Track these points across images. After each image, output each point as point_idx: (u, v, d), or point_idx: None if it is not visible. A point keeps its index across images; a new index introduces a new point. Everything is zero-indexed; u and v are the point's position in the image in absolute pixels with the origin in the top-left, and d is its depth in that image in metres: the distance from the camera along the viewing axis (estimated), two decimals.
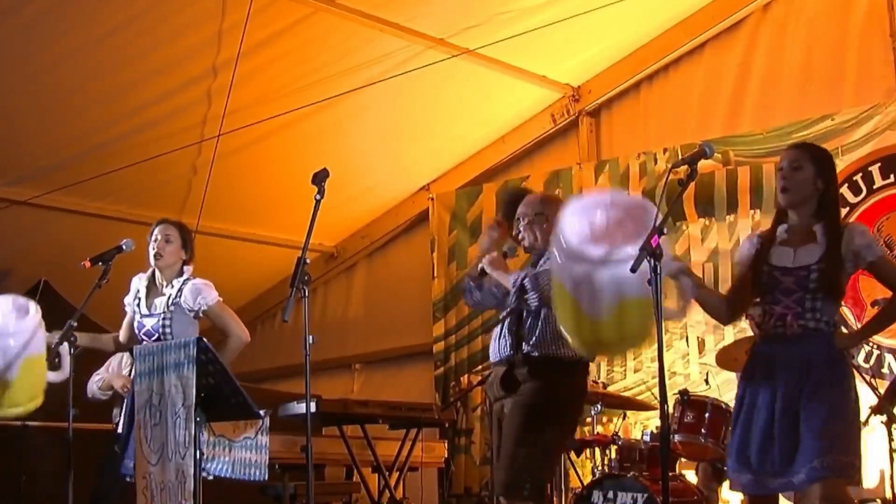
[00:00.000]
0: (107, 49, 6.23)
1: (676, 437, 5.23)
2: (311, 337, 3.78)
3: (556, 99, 7.93)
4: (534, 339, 4.15)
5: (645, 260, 3.28)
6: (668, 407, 3.45)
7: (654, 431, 5.54)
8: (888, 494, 4.97)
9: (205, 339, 3.97)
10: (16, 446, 6.16)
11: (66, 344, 4.71)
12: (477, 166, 8.35)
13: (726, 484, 5.61)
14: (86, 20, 6.02)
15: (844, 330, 4.38)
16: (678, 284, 3.66)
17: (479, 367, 7.64)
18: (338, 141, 7.67)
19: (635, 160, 7.29)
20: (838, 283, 3.61)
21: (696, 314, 6.75)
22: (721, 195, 6.77)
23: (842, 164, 6.11)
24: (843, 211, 5.82)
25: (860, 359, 5.98)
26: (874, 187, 6.26)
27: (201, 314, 4.78)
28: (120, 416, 4.89)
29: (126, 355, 5.20)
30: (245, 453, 4.03)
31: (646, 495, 5.05)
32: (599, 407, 5.80)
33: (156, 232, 4.83)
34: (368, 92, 7.01)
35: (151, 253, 4.79)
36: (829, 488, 3.39)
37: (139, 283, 4.88)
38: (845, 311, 5.91)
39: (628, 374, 7.10)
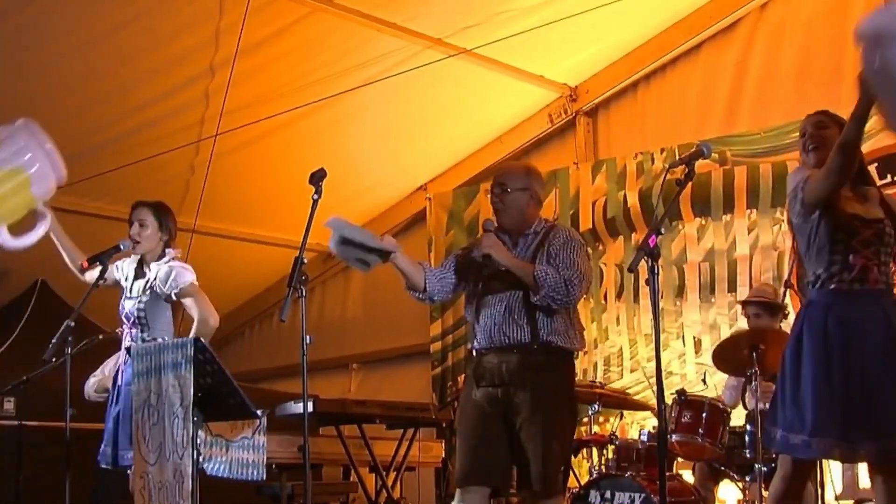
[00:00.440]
0: (105, 49, 6.23)
1: (674, 437, 5.23)
2: (308, 337, 3.78)
3: (553, 99, 7.94)
4: (551, 327, 4.03)
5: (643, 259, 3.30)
6: (665, 406, 3.44)
7: (652, 431, 5.54)
8: None
9: (202, 339, 3.97)
10: (14, 446, 6.16)
11: (47, 213, 4.79)
12: (474, 166, 8.36)
13: (723, 483, 5.63)
14: (84, 20, 6.03)
15: None
16: None
17: None
18: (335, 141, 7.68)
19: (632, 160, 7.30)
20: None
21: (693, 313, 6.78)
22: (718, 195, 6.77)
23: None
24: None
25: None
26: None
27: (174, 297, 4.66)
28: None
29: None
30: (242, 453, 4.02)
31: (643, 495, 5.05)
32: (597, 406, 5.80)
33: (132, 217, 4.78)
34: (366, 92, 7.01)
35: (132, 241, 4.74)
36: None
37: (131, 264, 4.83)
38: None
39: (625, 374, 7.11)
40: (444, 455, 7.13)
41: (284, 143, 7.44)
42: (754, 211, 6.63)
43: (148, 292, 4.68)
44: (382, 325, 8.78)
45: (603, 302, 7.34)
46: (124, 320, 4.73)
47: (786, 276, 5.85)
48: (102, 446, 4.62)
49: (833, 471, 5.34)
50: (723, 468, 5.41)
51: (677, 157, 3.93)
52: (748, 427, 5.19)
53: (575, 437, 5.79)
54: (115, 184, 7.15)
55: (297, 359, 3.81)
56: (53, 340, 4.54)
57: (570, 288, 3.97)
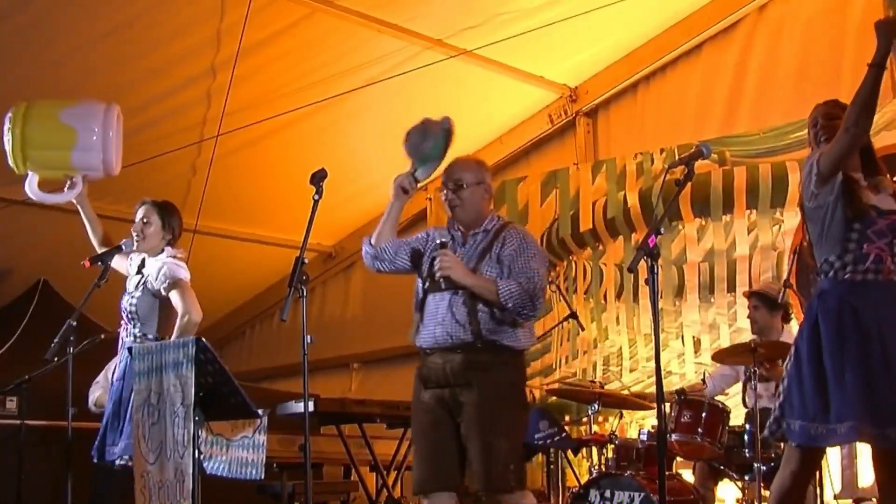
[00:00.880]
0: (106, 49, 6.25)
1: (673, 437, 5.24)
2: (309, 336, 3.78)
3: (553, 99, 7.95)
4: (492, 324, 3.96)
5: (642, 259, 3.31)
6: (664, 406, 3.45)
7: (651, 431, 5.55)
8: None
9: (203, 339, 3.98)
10: (16, 445, 6.17)
11: (80, 184, 4.93)
12: None
13: (723, 483, 5.64)
14: (85, 20, 6.04)
15: None
16: None
17: None
18: (336, 141, 7.69)
19: (632, 160, 7.30)
20: None
21: (692, 313, 6.79)
22: (717, 195, 6.78)
23: None
24: None
25: None
26: None
27: (163, 292, 4.62)
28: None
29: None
30: (242, 452, 4.02)
31: (642, 494, 5.06)
32: (597, 406, 5.81)
33: (136, 215, 4.80)
34: (367, 92, 7.02)
35: (135, 238, 4.76)
36: None
37: (136, 260, 4.84)
38: None
39: (624, 374, 7.12)
40: None
41: (285, 144, 7.46)
42: (754, 211, 6.64)
43: (141, 288, 4.70)
44: (382, 325, 8.78)
45: (603, 302, 7.35)
46: (122, 315, 4.75)
47: (785, 276, 5.86)
48: (96, 441, 4.62)
49: (832, 470, 5.36)
50: (722, 467, 5.42)
51: (677, 158, 3.91)
52: (747, 426, 5.20)
53: (575, 436, 5.84)
54: (117, 184, 7.10)
55: (298, 358, 3.82)
56: (55, 340, 4.54)
57: (535, 301, 3.94)
